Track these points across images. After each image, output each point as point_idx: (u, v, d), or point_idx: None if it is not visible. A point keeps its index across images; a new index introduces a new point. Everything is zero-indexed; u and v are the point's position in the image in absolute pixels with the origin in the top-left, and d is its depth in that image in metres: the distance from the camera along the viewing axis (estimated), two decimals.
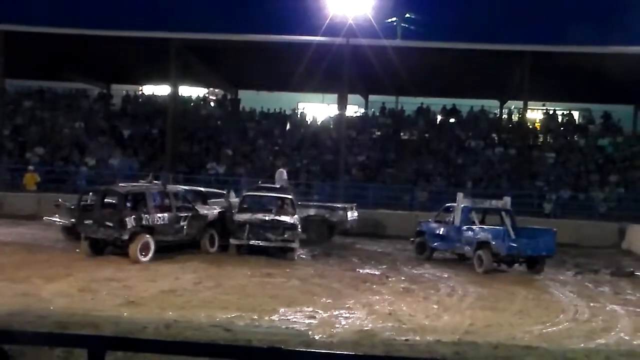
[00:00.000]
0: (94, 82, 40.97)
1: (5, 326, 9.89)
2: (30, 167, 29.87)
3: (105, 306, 12.35)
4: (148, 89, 43.61)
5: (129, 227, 17.72)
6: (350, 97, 33.53)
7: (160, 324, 10.93)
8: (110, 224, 17.82)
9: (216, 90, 43.00)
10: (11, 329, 9.08)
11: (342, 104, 32.20)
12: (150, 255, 17.89)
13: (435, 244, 21.13)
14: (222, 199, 22.28)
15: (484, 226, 20.23)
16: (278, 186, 23.94)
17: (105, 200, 18.92)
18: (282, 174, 27.37)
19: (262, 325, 11.37)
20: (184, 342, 6.68)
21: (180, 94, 35.35)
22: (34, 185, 28.77)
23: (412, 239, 21.92)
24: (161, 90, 40.48)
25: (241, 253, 19.53)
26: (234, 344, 9.23)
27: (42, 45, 32.87)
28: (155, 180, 21.09)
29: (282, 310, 12.62)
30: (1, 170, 30.83)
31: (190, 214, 19.51)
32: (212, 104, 41.50)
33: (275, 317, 12.06)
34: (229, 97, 41.39)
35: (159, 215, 18.68)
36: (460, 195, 20.98)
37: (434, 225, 21.31)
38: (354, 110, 39.96)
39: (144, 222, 18.12)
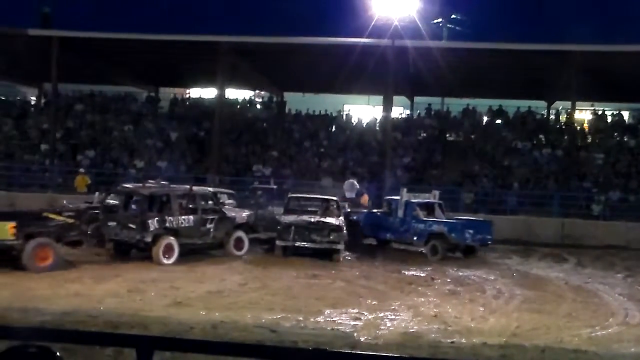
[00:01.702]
0: (142, 86, 41.59)
1: (58, 325, 10.14)
2: (81, 170, 30.41)
3: (154, 306, 12.54)
4: (195, 92, 44.06)
5: (151, 229, 17.66)
6: (395, 98, 33.43)
7: (207, 325, 11.07)
8: (133, 226, 17.79)
9: (262, 92, 43.24)
10: (64, 328, 9.32)
11: (388, 105, 32.13)
12: (174, 258, 17.78)
13: (372, 233, 23.13)
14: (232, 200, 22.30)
15: (436, 219, 22.50)
16: (348, 196, 23.79)
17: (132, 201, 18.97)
18: (353, 185, 27.02)
19: (307, 327, 11.44)
20: (231, 342, 6.77)
21: (227, 97, 35.61)
22: (84, 187, 29.27)
23: None
24: (208, 93, 40.85)
25: (287, 255, 19.51)
26: (280, 345, 9.31)
27: (93, 50, 33.49)
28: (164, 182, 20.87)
29: (327, 311, 12.67)
30: (53, 172, 31.43)
31: (217, 217, 19.30)
32: (258, 106, 41.73)
33: (320, 319, 12.11)
34: (275, 99, 41.59)
35: (184, 217, 18.56)
36: (404, 190, 23.03)
37: (371, 216, 23.25)
38: (399, 111, 39.83)
39: (167, 225, 18.03)
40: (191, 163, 33.73)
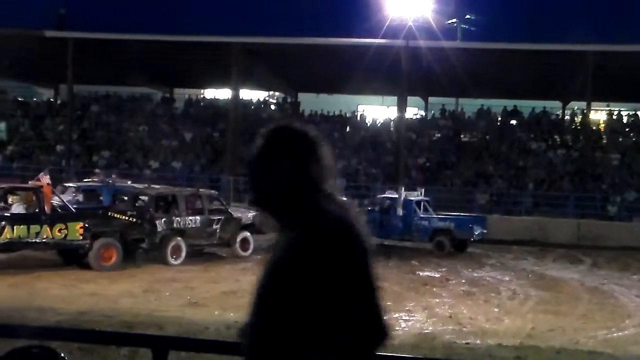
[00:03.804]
0: (157, 87, 41.76)
1: (74, 325, 10.20)
2: (97, 170, 30.50)
3: (168, 307, 12.59)
4: (210, 93, 44.21)
5: (159, 230, 17.70)
6: (410, 99, 33.40)
7: (222, 325, 11.09)
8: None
9: (276, 93, 43.31)
10: (80, 328, 9.37)
11: (402, 106, 32.09)
12: (181, 258, 17.81)
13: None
14: None
15: (441, 216, 23.32)
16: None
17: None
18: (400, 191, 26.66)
19: None
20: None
21: (241, 98, 35.70)
22: None
23: None
24: (222, 93, 40.97)
25: None
26: None
27: (108, 51, 33.66)
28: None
29: None
30: (70, 173, 31.56)
31: (223, 217, 19.35)
32: (272, 107, 41.79)
33: None
34: (289, 100, 41.65)
35: (191, 218, 18.60)
36: (402, 189, 23.85)
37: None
38: (413, 112, 39.77)
39: (174, 225, 18.09)
40: (205, 163, 33.83)
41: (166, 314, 11.84)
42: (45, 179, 16.45)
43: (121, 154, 34.58)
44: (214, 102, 41.78)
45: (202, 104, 41.87)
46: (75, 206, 18.29)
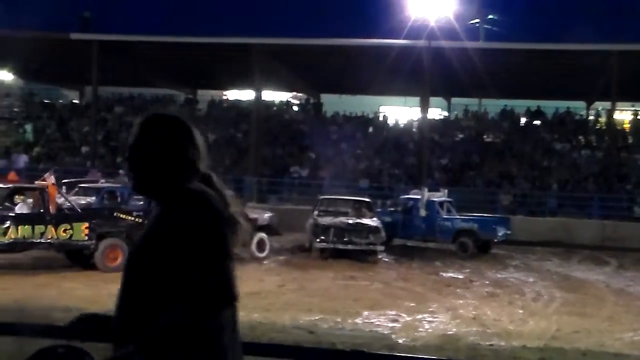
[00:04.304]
0: (180, 88, 41.99)
1: None
2: (121, 171, 30.68)
3: None
4: (233, 94, 44.35)
5: None
6: (432, 99, 33.29)
7: (245, 326, 11.05)
8: None
9: (299, 94, 43.37)
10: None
11: (425, 106, 32.00)
12: None
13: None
14: None
15: (464, 216, 23.20)
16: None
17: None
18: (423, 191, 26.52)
19: (345, 328, 11.44)
20: (269, 344, 6.80)
21: (263, 99, 35.79)
22: None
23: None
24: (245, 95, 41.09)
25: (325, 257, 19.32)
26: (318, 346, 9.32)
27: (132, 53, 33.90)
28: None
29: (365, 313, 12.67)
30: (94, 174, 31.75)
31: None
32: (295, 108, 41.86)
33: (358, 320, 12.12)
34: (311, 101, 41.69)
35: None
36: (425, 190, 23.73)
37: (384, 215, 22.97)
38: (436, 113, 39.64)
39: None
40: (229, 164, 33.94)
41: None
42: (50, 179, 16.44)
43: None
44: (236, 104, 41.92)
45: (225, 105, 42.04)
46: (95, 207, 18.38)
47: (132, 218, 16.93)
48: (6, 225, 15.28)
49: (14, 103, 40.94)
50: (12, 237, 15.31)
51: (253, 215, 19.82)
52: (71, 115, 39.48)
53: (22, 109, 40.08)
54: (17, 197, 17.21)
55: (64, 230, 15.75)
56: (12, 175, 25.22)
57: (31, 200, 16.80)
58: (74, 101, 43.24)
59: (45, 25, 38.18)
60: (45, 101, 42.30)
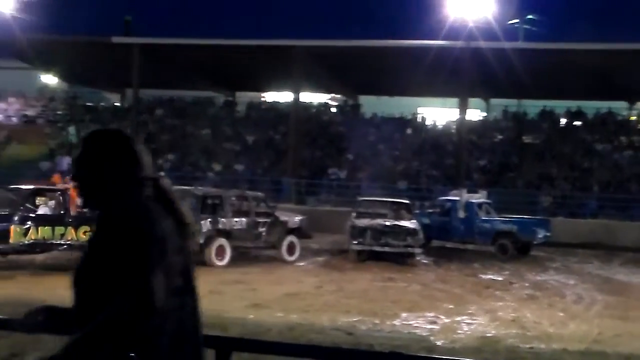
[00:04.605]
0: (220, 90, 42.37)
1: None
2: (162, 173, 31.05)
3: (232, 308, 12.74)
4: (271, 96, 44.59)
5: (204, 230, 17.42)
6: (471, 100, 33.12)
7: (284, 327, 11.18)
8: None
9: (337, 96, 43.45)
10: None
11: (463, 107, 31.85)
12: (226, 260, 17.59)
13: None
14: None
15: (504, 218, 22.96)
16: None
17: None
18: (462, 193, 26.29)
19: (383, 330, 11.44)
20: (307, 345, 6.87)
21: (302, 101, 35.94)
22: None
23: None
24: (284, 96, 41.30)
25: (362, 259, 19.17)
26: (356, 348, 9.36)
27: (172, 56, 34.30)
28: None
29: (403, 315, 12.65)
30: None
31: (269, 220, 19.04)
32: (333, 109, 41.94)
33: (396, 322, 12.10)
34: (349, 102, 41.73)
35: (236, 219, 18.36)
36: (464, 191, 23.78)
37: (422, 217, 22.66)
38: (475, 114, 39.41)
39: (220, 226, 17.86)
40: (267, 166, 34.13)
41: (230, 315, 11.97)
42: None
43: (185, 157, 35.15)
44: (275, 105, 42.15)
45: (263, 107, 42.28)
46: None
47: None
48: (27, 226, 15.34)
49: (58, 106, 41.78)
50: (33, 238, 15.37)
51: (283, 218, 19.76)
52: (113, 117, 40.02)
53: (66, 112, 40.85)
54: (38, 198, 17.25)
55: (84, 232, 15.59)
56: (56, 178, 25.71)
57: (53, 202, 16.73)
58: (116, 104, 43.86)
59: (88, 29, 38.91)
60: (88, 104, 42.98)
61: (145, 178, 2.54)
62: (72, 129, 38.02)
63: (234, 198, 19.51)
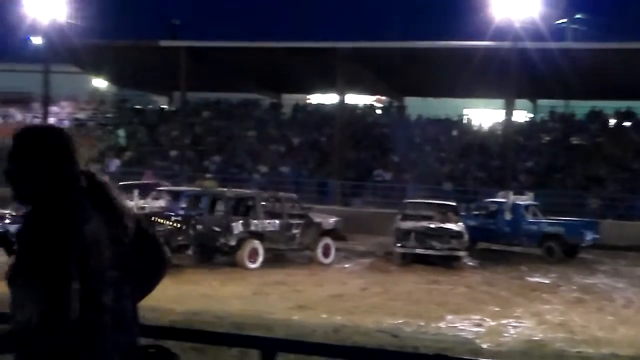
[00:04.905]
0: (265, 92, 42.64)
1: (187, 325, 10.57)
2: (208, 175, 31.34)
3: (277, 309, 12.85)
4: (316, 98, 44.71)
5: (235, 232, 17.33)
6: (517, 101, 32.77)
7: (329, 328, 11.24)
8: (218, 230, 17.48)
9: (382, 97, 43.39)
10: (193, 328, 9.72)
11: (510, 109, 31.52)
12: (259, 262, 17.46)
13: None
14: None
15: (551, 220, 22.60)
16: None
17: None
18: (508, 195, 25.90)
19: (428, 332, 11.44)
20: (352, 346, 6.90)
21: (347, 102, 35.97)
22: None
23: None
24: (329, 98, 41.38)
25: (406, 262, 18.95)
26: (401, 350, 9.37)
27: (218, 59, 34.63)
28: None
29: (449, 317, 12.63)
30: (181, 177, 32.53)
31: (303, 222, 18.85)
32: (378, 111, 41.89)
33: (442, 324, 12.09)
34: (395, 104, 41.64)
35: (269, 221, 18.19)
36: (510, 193, 23.51)
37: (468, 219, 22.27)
38: (521, 115, 38.98)
39: (252, 228, 17.71)
40: (313, 168, 34.23)
41: (274, 316, 12.09)
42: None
43: (231, 159, 35.44)
44: (320, 107, 42.24)
45: (309, 109, 42.41)
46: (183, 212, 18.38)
47: (170, 223, 16.53)
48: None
49: (108, 109, 42.54)
50: None
51: (317, 219, 19.58)
52: (160, 120, 40.58)
53: (115, 115, 41.56)
54: None
55: None
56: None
57: None
58: (163, 107, 44.45)
59: (136, 34, 39.51)
60: (137, 107, 43.65)
61: (79, 173, 2.55)
62: (121, 132, 38.65)
63: (266, 200, 19.43)
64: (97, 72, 42.07)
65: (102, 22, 36.53)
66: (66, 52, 34.48)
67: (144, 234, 2.65)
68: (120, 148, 37.28)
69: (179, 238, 16.64)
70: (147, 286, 2.72)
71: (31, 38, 36.91)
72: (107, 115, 41.90)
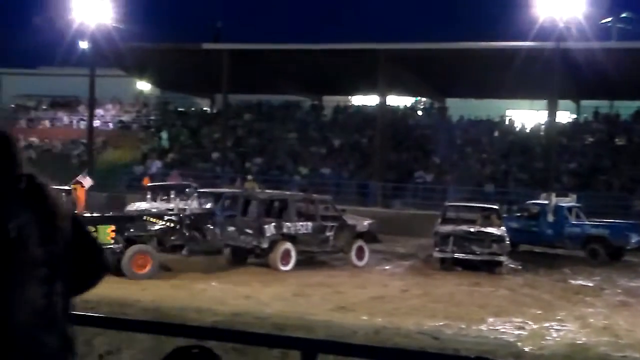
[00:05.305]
0: (306, 94, 42.80)
1: (229, 325, 10.70)
2: (249, 177, 31.56)
3: (318, 310, 12.92)
4: (357, 100, 44.74)
5: (268, 234, 17.25)
6: (561, 102, 32.39)
7: (370, 330, 11.27)
8: (250, 231, 17.40)
9: (424, 99, 43.24)
10: (234, 328, 9.84)
11: (552, 109, 31.16)
12: (291, 264, 17.38)
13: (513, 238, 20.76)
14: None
15: (595, 222, 22.27)
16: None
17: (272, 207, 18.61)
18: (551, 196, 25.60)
19: (470, 335, 11.40)
20: (393, 348, 6.93)
21: (388, 104, 35.94)
22: None
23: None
24: (370, 100, 41.37)
25: (445, 267, 18.52)
26: (442, 352, 9.37)
27: (260, 61, 34.87)
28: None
29: (490, 319, 12.56)
30: (224, 179, 32.79)
31: (337, 224, 18.67)
32: (419, 112, 41.77)
33: (483, 327, 12.04)
34: (436, 105, 41.47)
35: (302, 223, 18.12)
36: (552, 195, 22.98)
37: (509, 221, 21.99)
38: (565, 116, 38.52)
39: (284, 230, 17.63)
40: (354, 169, 34.26)
41: (315, 318, 12.15)
42: (85, 181, 16.23)
43: (272, 161, 35.64)
44: (361, 109, 42.26)
45: (350, 110, 42.45)
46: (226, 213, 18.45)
47: (164, 222, 16.38)
48: None
49: (151, 112, 43.12)
50: None
51: (351, 221, 19.43)
52: (202, 122, 40.98)
53: (158, 117, 42.11)
54: None
55: None
56: (146, 180, 26.51)
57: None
58: (205, 109, 44.88)
59: (180, 37, 40.00)
60: (179, 109, 44.15)
61: (19, 175, 2.60)
62: (164, 134, 39.13)
63: (300, 201, 19.40)
64: (141, 75, 42.68)
65: (146, 25, 37.04)
66: (112, 55, 35.01)
67: (83, 236, 2.71)
68: (163, 150, 37.74)
69: (172, 238, 16.46)
70: (81, 287, 2.74)
71: (79, 42, 37.59)
72: (151, 117, 42.48)
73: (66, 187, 16.42)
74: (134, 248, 15.56)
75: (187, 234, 16.44)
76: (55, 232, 2.58)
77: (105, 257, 2.87)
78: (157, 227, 16.18)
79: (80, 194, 16.29)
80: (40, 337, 2.50)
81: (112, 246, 15.28)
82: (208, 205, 20.17)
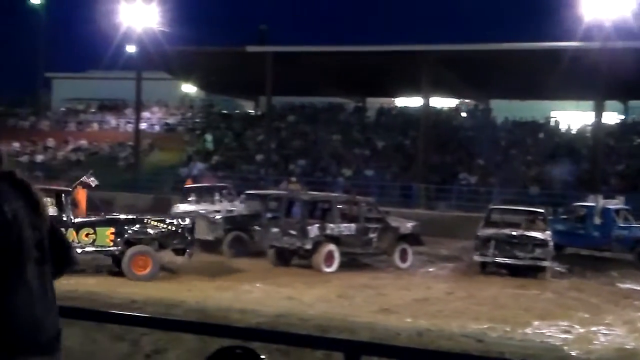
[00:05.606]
0: (350, 96, 42.84)
1: (272, 327, 10.78)
2: (293, 179, 31.65)
3: (361, 312, 12.93)
4: (401, 101, 44.64)
5: (311, 236, 17.25)
6: (607, 103, 31.91)
7: (413, 332, 11.25)
8: (294, 233, 17.43)
9: (467, 100, 42.96)
10: (278, 330, 9.91)
11: (599, 110, 30.71)
12: (335, 266, 17.37)
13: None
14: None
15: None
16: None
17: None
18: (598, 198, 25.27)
19: (514, 338, 11.31)
20: (437, 351, 6.92)
21: (432, 106, 35.79)
22: None
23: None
24: (413, 102, 41.25)
25: (485, 271, 18.14)
26: (486, 355, 9.31)
27: (304, 63, 35.00)
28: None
29: (535, 323, 12.45)
30: (267, 181, 32.99)
31: (380, 226, 18.60)
32: (463, 114, 41.51)
33: (528, 330, 11.93)
34: (480, 107, 41.17)
35: (345, 225, 18.08)
36: (599, 197, 22.84)
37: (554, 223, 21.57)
38: (612, 117, 37.92)
39: (328, 232, 17.61)
40: (397, 171, 34.19)
41: (359, 319, 12.16)
42: (90, 181, 16.30)
43: (316, 163, 35.74)
44: (405, 111, 42.17)
45: (393, 112, 42.39)
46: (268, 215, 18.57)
47: (165, 225, 16.27)
48: None
49: (196, 114, 43.60)
50: None
51: (394, 224, 19.34)
52: (246, 124, 41.28)
53: (203, 119, 42.54)
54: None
55: (86, 235, 15.20)
56: (189, 182, 26.81)
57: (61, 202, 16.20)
58: (249, 111, 45.19)
59: (224, 40, 40.36)
60: (224, 112, 44.54)
61: (1, 173, 2.73)
62: (208, 136, 39.49)
63: (344, 203, 19.41)
64: (187, 77, 43.20)
65: (191, 29, 37.48)
66: (158, 59, 35.50)
67: (55, 230, 2.85)
68: (207, 152, 38.10)
69: (174, 242, 16.29)
70: (54, 274, 2.85)
71: (126, 46, 38.21)
72: (196, 120, 42.93)
73: (67, 189, 16.62)
74: (134, 249, 15.62)
75: (188, 237, 16.37)
76: (40, 219, 2.74)
77: (74, 251, 3.05)
78: (158, 230, 16.15)
79: (81, 196, 16.46)
80: (39, 320, 2.62)
81: (110, 248, 15.44)
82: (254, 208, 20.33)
